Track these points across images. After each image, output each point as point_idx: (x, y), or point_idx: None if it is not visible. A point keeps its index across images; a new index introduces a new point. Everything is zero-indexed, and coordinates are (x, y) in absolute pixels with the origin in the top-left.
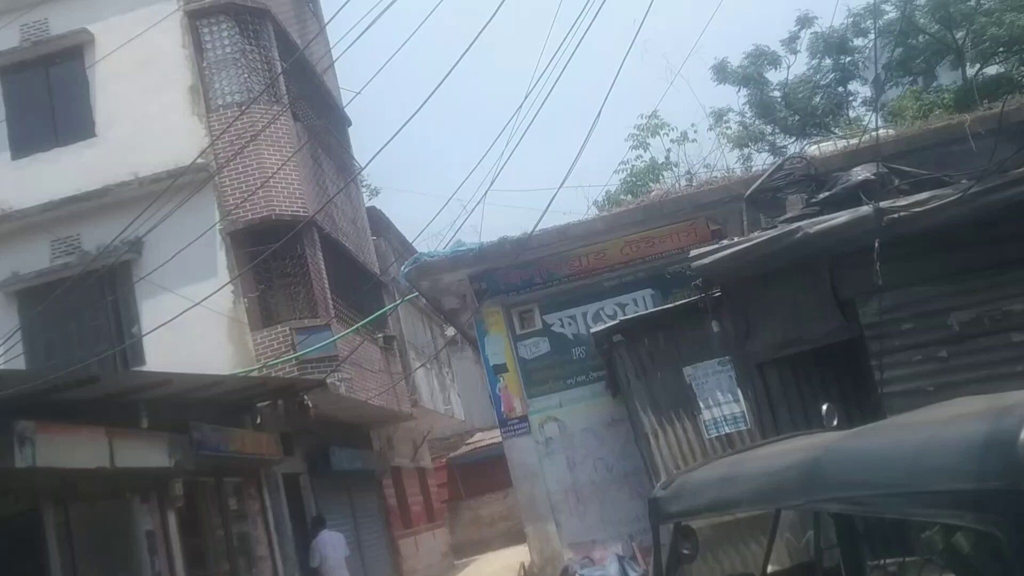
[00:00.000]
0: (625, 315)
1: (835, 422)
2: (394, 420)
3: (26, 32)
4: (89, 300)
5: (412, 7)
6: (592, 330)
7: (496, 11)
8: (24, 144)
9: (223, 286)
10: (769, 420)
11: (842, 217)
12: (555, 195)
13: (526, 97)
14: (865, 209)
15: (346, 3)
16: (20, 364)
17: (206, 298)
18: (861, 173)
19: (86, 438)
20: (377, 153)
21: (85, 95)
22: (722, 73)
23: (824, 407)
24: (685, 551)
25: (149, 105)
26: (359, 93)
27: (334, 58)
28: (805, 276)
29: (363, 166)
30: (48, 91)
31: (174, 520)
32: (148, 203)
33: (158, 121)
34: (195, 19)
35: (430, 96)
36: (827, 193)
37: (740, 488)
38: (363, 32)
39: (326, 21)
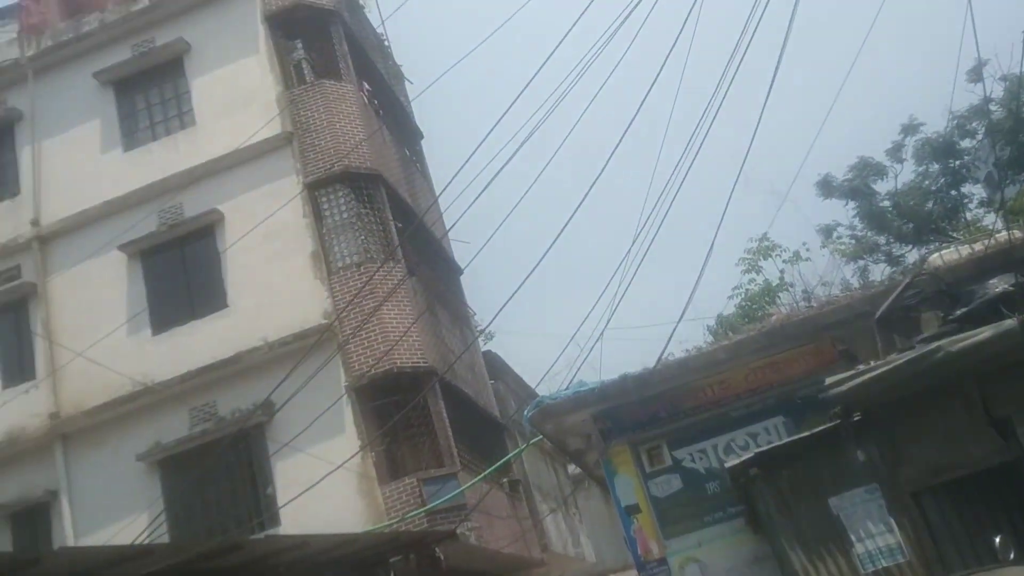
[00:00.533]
0: (758, 446)
1: (1011, 555)
2: (525, 567)
3: (163, 217)
4: (225, 464)
5: (521, 160)
6: (726, 464)
7: (608, 160)
8: (163, 320)
9: (357, 452)
10: (932, 551)
11: (985, 333)
12: (675, 330)
13: (634, 241)
14: (1009, 323)
15: (456, 173)
16: (163, 530)
17: (344, 463)
18: (998, 285)
19: None
20: (498, 312)
21: (217, 269)
22: (827, 188)
23: (997, 539)
24: None
25: (275, 273)
26: (478, 252)
27: (440, 207)
28: (952, 396)
29: (485, 327)
30: (184, 269)
31: None
32: (277, 366)
33: (284, 287)
34: (314, 190)
35: (545, 254)
36: (964, 309)
37: None
38: (475, 200)
39: (432, 179)
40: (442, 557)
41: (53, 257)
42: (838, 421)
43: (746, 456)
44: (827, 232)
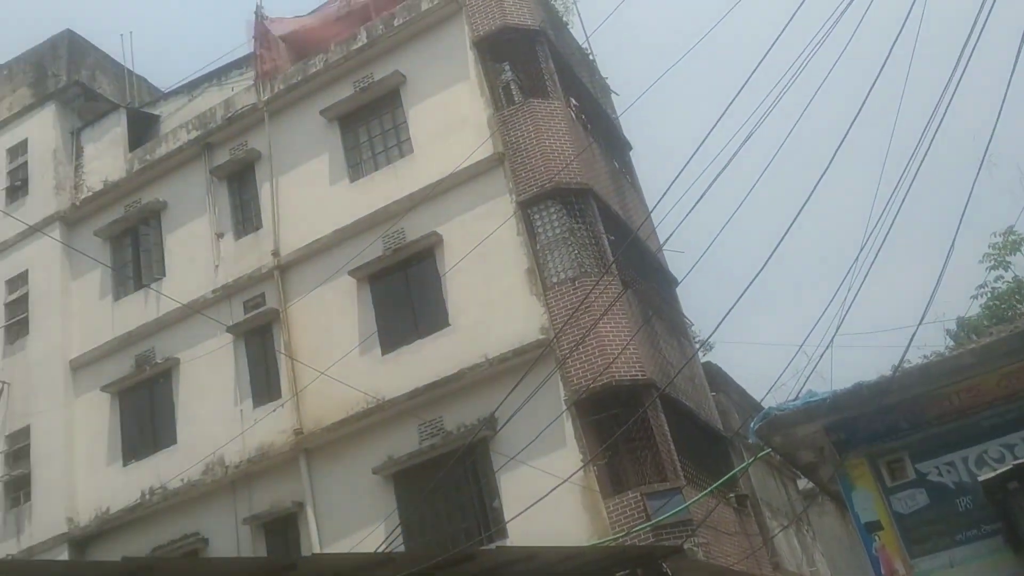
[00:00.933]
0: (1016, 457)
1: None
2: None
3: (387, 242)
4: (453, 477)
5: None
6: (980, 478)
7: (831, 162)
8: (392, 340)
9: (581, 467)
10: None
11: None
12: (915, 334)
13: (865, 242)
14: None
15: (669, 186)
16: (399, 541)
17: (569, 477)
18: None
19: None
20: (719, 323)
21: (438, 289)
22: None
23: None
24: None
25: (492, 291)
26: (695, 264)
27: (652, 218)
28: None
29: (707, 337)
30: (408, 290)
31: None
32: (497, 382)
33: (501, 305)
34: (526, 208)
35: (766, 263)
36: None
37: None
38: (689, 211)
39: (642, 190)
40: (669, 573)
41: (292, 284)
42: None
43: (1002, 468)
44: None
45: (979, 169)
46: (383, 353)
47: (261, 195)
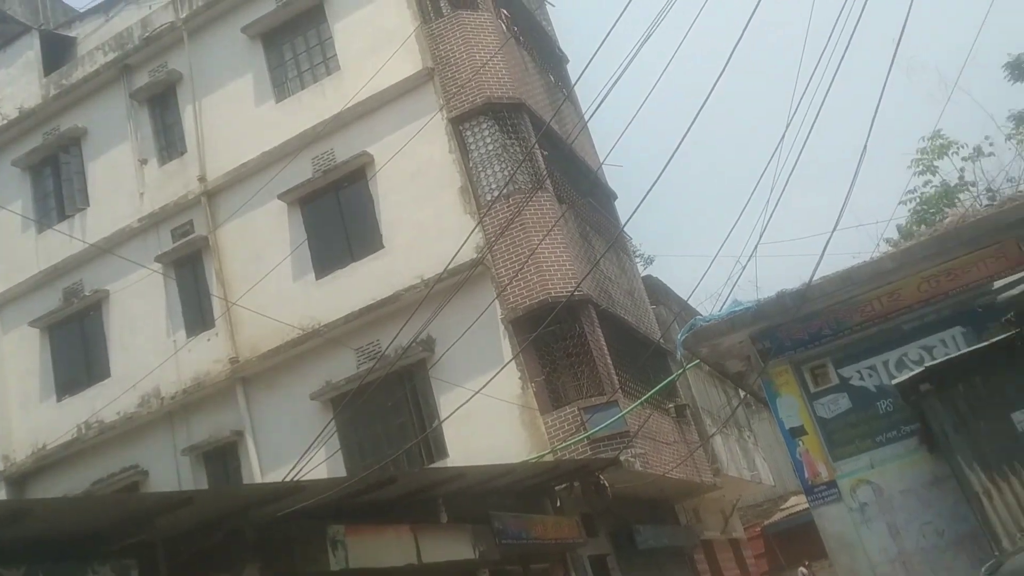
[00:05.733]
0: (934, 359)
1: None
2: (697, 492)
3: (317, 163)
4: (392, 400)
5: (657, 58)
6: (894, 381)
7: (733, 51)
8: (325, 264)
9: (499, 370)
10: None
11: None
12: (829, 240)
13: (779, 146)
14: None
15: (580, 75)
16: (340, 464)
17: (485, 384)
18: None
19: (392, 537)
20: (631, 216)
21: (371, 211)
22: (1019, 70)
23: None
24: None
25: (425, 211)
26: (650, 190)
27: (590, 132)
28: None
29: (620, 229)
30: (340, 213)
31: None
32: (434, 303)
33: (434, 225)
34: (458, 124)
35: (675, 151)
36: None
37: None
38: (627, 127)
39: (574, 97)
40: (607, 484)
41: (220, 210)
42: (1016, 330)
43: (916, 371)
44: (1019, 119)
45: (889, 69)
46: (317, 278)
47: (184, 119)
